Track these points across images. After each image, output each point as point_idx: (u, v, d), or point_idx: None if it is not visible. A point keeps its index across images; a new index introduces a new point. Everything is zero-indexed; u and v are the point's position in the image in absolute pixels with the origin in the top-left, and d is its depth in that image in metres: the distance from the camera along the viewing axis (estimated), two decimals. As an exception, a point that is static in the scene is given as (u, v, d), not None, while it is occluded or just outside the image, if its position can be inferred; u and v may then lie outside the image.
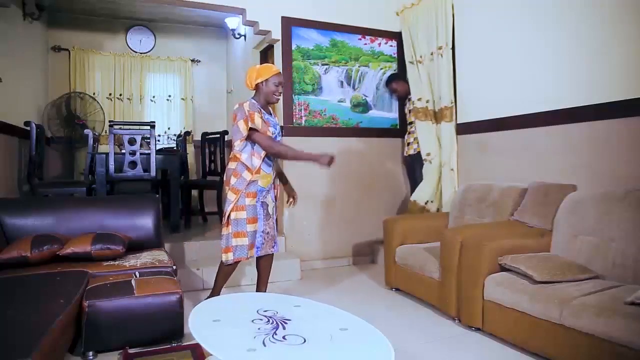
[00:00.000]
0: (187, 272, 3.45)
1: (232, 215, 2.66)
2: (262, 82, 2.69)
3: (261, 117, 2.65)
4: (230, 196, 2.66)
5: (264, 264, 2.91)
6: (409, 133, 4.26)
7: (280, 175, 2.97)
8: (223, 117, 7.01)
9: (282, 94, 2.80)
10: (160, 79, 6.79)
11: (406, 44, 4.26)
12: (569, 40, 2.89)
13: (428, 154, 3.97)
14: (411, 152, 4.22)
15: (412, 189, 4.39)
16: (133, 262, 2.77)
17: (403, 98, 4.42)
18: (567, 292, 2.09)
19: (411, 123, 4.22)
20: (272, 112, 2.86)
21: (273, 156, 2.73)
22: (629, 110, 2.51)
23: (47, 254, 2.66)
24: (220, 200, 4.65)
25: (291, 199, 2.98)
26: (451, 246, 2.68)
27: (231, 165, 2.70)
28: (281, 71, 3.06)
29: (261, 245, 2.76)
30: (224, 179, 2.76)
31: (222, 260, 2.72)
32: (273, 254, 2.90)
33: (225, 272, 2.76)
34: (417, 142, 4.11)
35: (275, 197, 2.88)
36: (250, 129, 2.62)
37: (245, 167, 2.65)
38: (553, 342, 2.07)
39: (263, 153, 2.67)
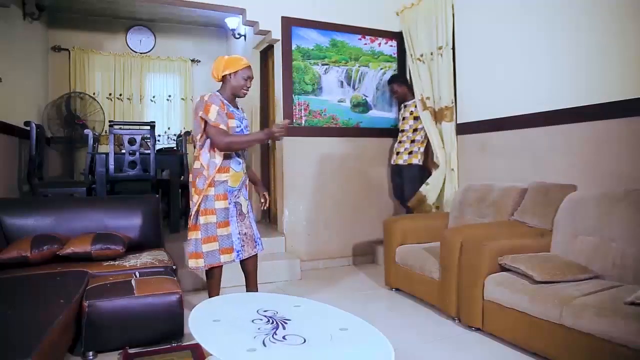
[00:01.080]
0: (187, 272, 3.44)
1: (202, 220, 2.50)
2: (230, 74, 2.51)
3: (223, 109, 2.46)
4: (195, 198, 2.51)
5: (249, 266, 2.71)
6: (400, 142, 4.19)
7: (250, 174, 2.79)
8: (223, 117, 7.00)
9: (249, 89, 2.59)
10: (160, 79, 6.79)
11: (406, 44, 4.25)
12: (569, 40, 2.89)
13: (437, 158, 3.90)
14: (400, 162, 4.14)
15: (400, 196, 4.28)
16: (133, 262, 2.78)
17: (400, 102, 4.39)
18: (567, 292, 2.09)
19: (403, 131, 4.19)
20: (239, 107, 2.70)
21: (224, 151, 2.48)
22: (629, 110, 2.51)
23: (47, 253, 2.66)
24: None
25: (263, 200, 2.80)
26: (451, 246, 2.68)
27: (196, 164, 2.54)
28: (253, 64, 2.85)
29: (241, 248, 2.58)
30: (190, 179, 2.59)
31: (190, 267, 2.56)
32: (257, 254, 2.71)
33: (213, 279, 2.61)
34: (408, 153, 4.08)
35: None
36: (205, 122, 2.43)
37: (206, 166, 2.49)
38: (553, 342, 2.07)
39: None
